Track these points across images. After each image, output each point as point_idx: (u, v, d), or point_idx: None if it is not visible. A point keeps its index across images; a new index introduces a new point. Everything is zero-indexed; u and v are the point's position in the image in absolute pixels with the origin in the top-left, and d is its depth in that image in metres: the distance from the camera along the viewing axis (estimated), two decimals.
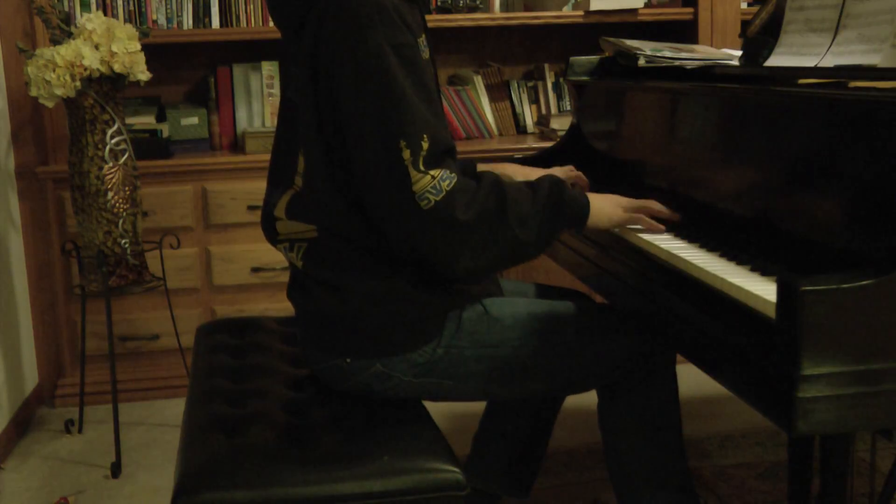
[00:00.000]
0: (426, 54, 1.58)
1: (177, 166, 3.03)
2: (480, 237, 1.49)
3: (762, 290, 1.26)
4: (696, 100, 1.78)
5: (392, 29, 1.47)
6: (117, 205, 2.65)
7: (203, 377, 1.78)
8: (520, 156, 2.37)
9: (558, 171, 2.00)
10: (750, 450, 2.60)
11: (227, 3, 3.12)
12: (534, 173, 1.94)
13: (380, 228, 1.51)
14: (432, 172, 1.45)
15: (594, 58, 2.35)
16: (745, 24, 2.29)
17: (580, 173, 2.00)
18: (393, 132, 1.44)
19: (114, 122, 2.64)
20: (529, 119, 3.49)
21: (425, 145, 1.45)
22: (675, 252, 1.51)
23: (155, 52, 3.01)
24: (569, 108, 3.42)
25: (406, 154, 1.44)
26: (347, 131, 1.48)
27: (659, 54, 2.03)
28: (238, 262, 3.09)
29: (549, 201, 1.55)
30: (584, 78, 2.34)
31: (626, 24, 3.33)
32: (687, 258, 1.47)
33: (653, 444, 1.72)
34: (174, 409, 3.01)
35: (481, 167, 1.94)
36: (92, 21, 2.59)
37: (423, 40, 1.57)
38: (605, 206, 1.65)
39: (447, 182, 1.46)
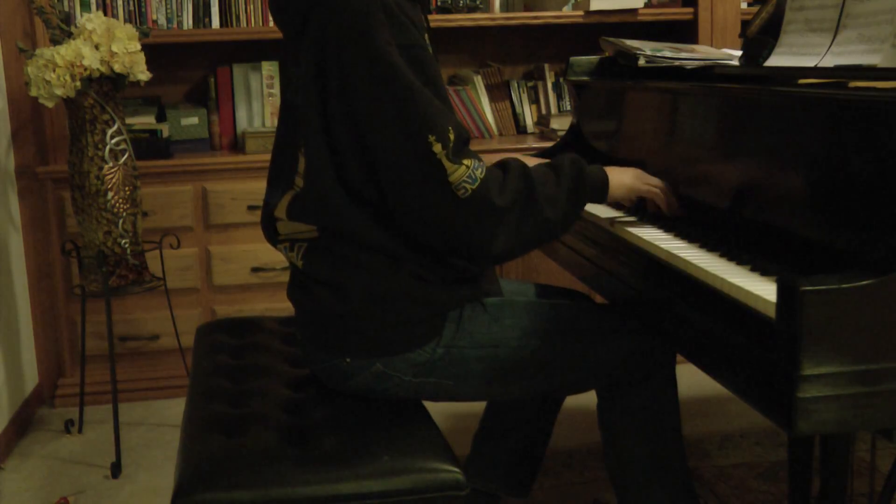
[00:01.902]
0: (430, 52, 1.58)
1: (177, 166, 3.03)
2: (515, 220, 1.52)
3: (762, 290, 1.26)
4: (696, 100, 1.78)
5: (398, 28, 1.47)
6: (117, 205, 2.65)
7: (203, 377, 1.78)
8: (520, 156, 2.37)
9: None
10: (750, 450, 2.60)
11: (227, 3, 3.12)
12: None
13: (412, 224, 1.52)
14: (465, 162, 1.48)
15: (594, 58, 2.35)
16: (745, 24, 2.28)
17: None
18: (419, 128, 1.46)
19: (114, 122, 2.64)
20: (529, 119, 3.49)
21: (452, 136, 1.48)
22: (675, 252, 1.51)
23: (155, 52, 3.01)
24: (569, 108, 3.42)
25: (437, 147, 1.46)
26: (370, 135, 1.48)
27: (659, 54, 2.03)
28: (238, 262, 3.09)
29: (571, 180, 1.60)
30: (584, 78, 2.34)
31: (626, 24, 3.33)
32: (687, 258, 1.47)
33: (652, 444, 1.72)
34: (174, 409, 3.01)
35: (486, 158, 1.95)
36: (92, 21, 2.59)
37: (426, 39, 1.57)
38: (623, 178, 1.70)
39: (480, 170, 1.49)
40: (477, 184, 1.48)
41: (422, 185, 1.48)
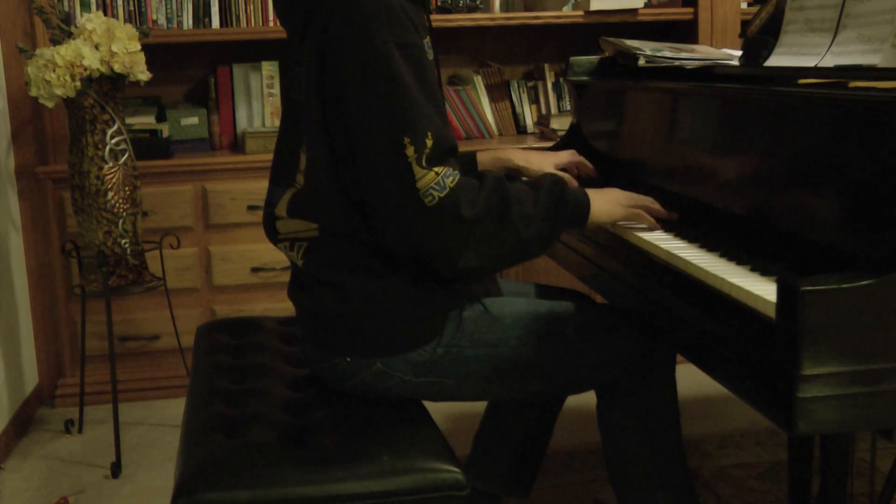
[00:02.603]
0: (430, 55, 1.58)
1: (177, 166, 3.03)
2: (484, 235, 1.49)
3: (762, 290, 1.26)
4: (696, 100, 1.78)
5: (398, 28, 1.47)
6: (117, 205, 2.65)
7: (203, 377, 1.78)
8: None
9: (562, 155, 2.01)
10: (750, 450, 2.60)
11: (227, 3, 3.12)
12: (534, 157, 1.95)
13: (381, 227, 1.51)
14: (436, 169, 1.45)
15: (594, 58, 2.35)
16: (745, 24, 2.28)
17: (583, 158, 2.01)
18: (397, 129, 1.44)
19: (114, 122, 2.64)
20: (529, 119, 3.49)
21: (429, 143, 1.45)
22: (675, 252, 1.51)
23: (155, 52, 3.01)
24: (569, 108, 3.42)
25: (410, 151, 1.44)
26: (352, 128, 1.48)
27: (659, 54, 2.03)
28: (238, 262, 3.09)
29: (550, 200, 1.56)
30: (584, 78, 2.34)
31: (626, 24, 3.33)
32: (687, 258, 1.47)
33: (652, 444, 1.72)
34: (174, 409, 3.01)
35: (482, 154, 1.95)
36: (92, 21, 2.59)
37: (427, 41, 1.57)
38: (605, 204, 1.66)
39: (451, 179, 1.46)
40: (445, 192, 1.45)
41: (390, 188, 1.46)
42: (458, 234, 1.47)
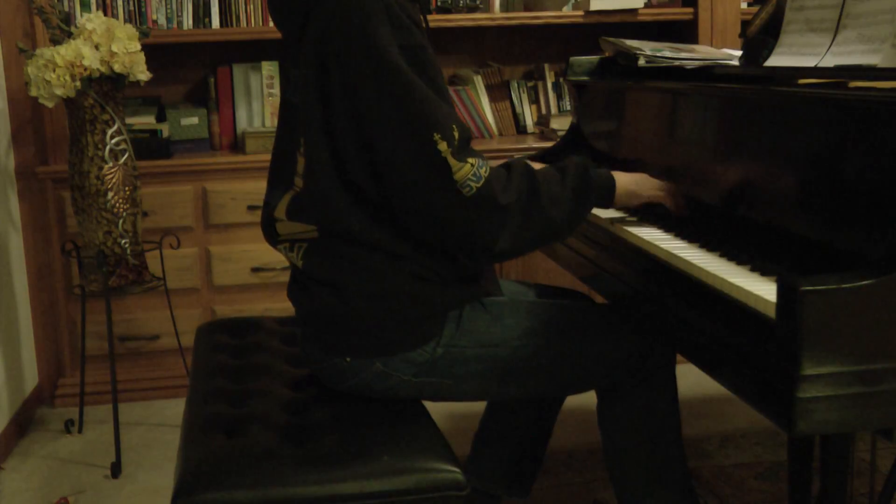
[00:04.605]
0: None
1: (177, 166, 3.03)
2: (518, 219, 1.52)
3: (762, 290, 1.26)
4: (696, 100, 1.78)
5: (401, 29, 1.47)
6: (117, 205, 2.65)
7: (203, 377, 1.78)
8: (520, 156, 2.36)
9: None
10: (750, 450, 2.60)
11: (227, 3, 3.12)
12: None
13: (416, 223, 1.52)
14: (470, 161, 1.48)
15: (594, 58, 2.35)
16: (745, 24, 2.28)
17: None
18: (424, 127, 1.46)
19: (114, 122, 2.64)
20: (529, 119, 3.49)
21: (457, 135, 1.48)
22: (675, 252, 1.51)
23: (155, 52, 3.01)
24: (569, 108, 3.42)
25: (443, 146, 1.46)
26: (374, 135, 1.48)
27: (659, 54, 2.03)
28: (238, 262, 3.09)
29: (577, 181, 1.60)
30: (584, 78, 2.33)
31: (626, 24, 3.33)
32: (687, 258, 1.47)
33: (652, 444, 1.72)
34: (174, 409, 3.01)
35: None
36: (92, 21, 2.59)
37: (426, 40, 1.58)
38: (630, 183, 1.70)
39: (484, 169, 1.49)
40: (481, 182, 1.48)
41: (427, 183, 1.48)
42: (495, 221, 1.50)
